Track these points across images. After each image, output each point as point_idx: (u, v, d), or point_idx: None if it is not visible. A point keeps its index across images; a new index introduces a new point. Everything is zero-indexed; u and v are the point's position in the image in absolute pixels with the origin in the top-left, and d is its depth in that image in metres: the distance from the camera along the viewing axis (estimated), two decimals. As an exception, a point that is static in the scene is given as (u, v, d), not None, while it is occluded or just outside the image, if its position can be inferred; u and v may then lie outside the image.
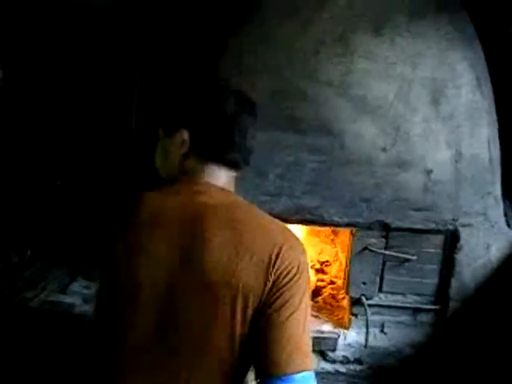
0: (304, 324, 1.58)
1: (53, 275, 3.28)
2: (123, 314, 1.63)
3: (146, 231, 1.64)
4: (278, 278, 1.56)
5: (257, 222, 1.64)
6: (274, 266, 1.56)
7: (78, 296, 3.09)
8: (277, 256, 1.56)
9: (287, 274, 1.57)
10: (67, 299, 3.06)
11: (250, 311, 1.56)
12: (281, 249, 1.57)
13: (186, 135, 1.73)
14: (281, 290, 1.56)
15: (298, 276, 1.59)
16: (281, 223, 1.70)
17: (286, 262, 1.57)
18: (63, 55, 3.47)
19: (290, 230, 1.69)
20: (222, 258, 1.55)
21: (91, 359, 1.72)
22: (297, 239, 1.67)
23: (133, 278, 1.63)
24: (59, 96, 3.53)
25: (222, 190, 1.72)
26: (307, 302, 1.62)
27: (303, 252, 1.65)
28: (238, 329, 1.56)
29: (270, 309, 1.56)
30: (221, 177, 1.76)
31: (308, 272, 1.65)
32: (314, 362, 1.59)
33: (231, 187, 1.79)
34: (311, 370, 1.55)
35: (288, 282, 1.57)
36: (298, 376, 1.50)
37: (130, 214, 1.70)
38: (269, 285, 1.55)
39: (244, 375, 1.69)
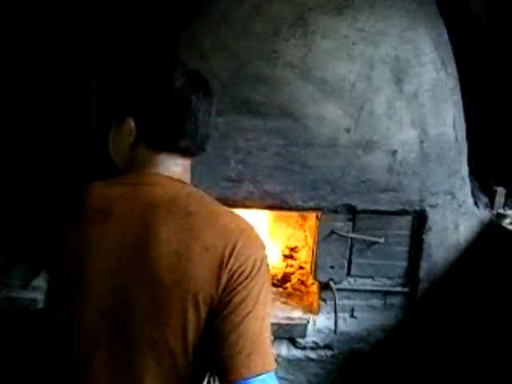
0: (262, 322, 1.52)
1: (16, 271, 3.19)
2: (72, 311, 1.57)
3: (93, 224, 1.57)
4: (232, 276, 1.49)
5: (210, 215, 1.56)
6: (227, 265, 1.48)
7: (41, 291, 3.01)
8: (230, 254, 1.49)
9: (242, 272, 1.50)
10: (29, 295, 2.97)
11: (203, 311, 1.49)
12: (235, 246, 1.50)
13: (132, 123, 1.64)
14: (236, 290, 1.49)
15: (254, 273, 1.52)
16: (237, 216, 1.62)
17: (241, 260, 1.50)
18: (21, 47, 3.38)
19: (246, 224, 1.60)
20: (171, 253, 1.48)
21: (44, 358, 1.67)
22: (253, 234, 1.59)
23: (80, 274, 1.56)
24: (19, 89, 3.43)
25: (174, 180, 1.64)
26: (266, 297, 1.55)
27: (260, 247, 1.58)
28: (191, 329, 1.49)
29: (226, 309, 1.48)
30: (173, 166, 1.67)
31: (267, 266, 1.58)
32: (273, 362, 1.52)
33: (186, 176, 1.71)
34: (271, 371, 1.49)
35: (243, 281, 1.50)
36: (257, 379, 1.45)
37: (75, 207, 1.64)
38: (222, 284, 1.48)
39: (201, 379, 1.61)
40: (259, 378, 1.46)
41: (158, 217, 1.52)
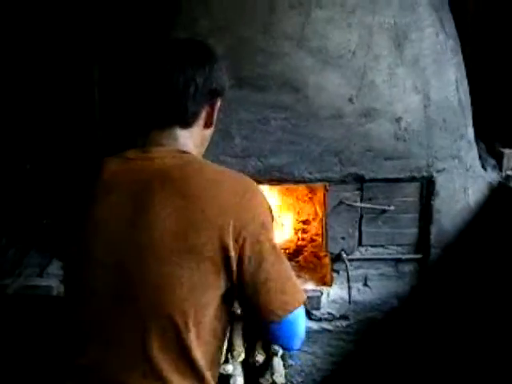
0: (281, 264, 1.63)
1: (30, 260, 3.22)
2: (82, 283, 1.62)
3: (99, 197, 1.63)
4: (238, 247, 1.55)
5: (209, 183, 1.59)
6: (232, 234, 1.53)
7: (55, 278, 3.04)
8: (233, 223, 1.54)
9: (249, 242, 1.56)
10: (44, 282, 3.01)
11: (219, 274, 1.55)
12: (237, 212, 1.55)
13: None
14: (245, 258, 1.56)
15: (260, 231, 1.58)
16: (236, 178, 1.66)
17: (243, 237, 1.55)
18: (23, 41, 3.39)
19: (247, 185, 1.65)
20: (172, 226, 1.52)
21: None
22: (254, 195, 1.63)
23: (86, 247, 1.61)
24: (23, 82, 3.45)
25: (174, 151, 1.68)
26: (275, 244, 1.64)
27: (262, 206, 1.63)
28: (204, 294, 1.54)
29: (244, 266, 1.56)
30: (169, 138, 1.72)
31: (271, 219, 1.65)
32: (302, 295, 1.66)
33: (190, 145, 1.75)
34: (301, 304, 1.64)
35: (252, 250, 1.56)
36: (292, 315, 1.61)
37: (90, 182, 1.70)
38: (231, 249, 1.53)
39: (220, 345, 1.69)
40: (293, 313, 1.61)
41: (159, 190, 1.56)
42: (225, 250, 1.52)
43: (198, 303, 1.53)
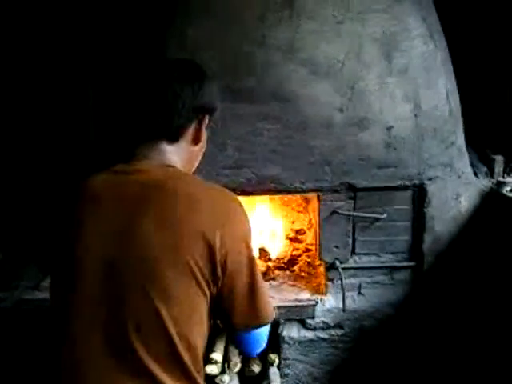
0: (254, 282, 1.70)
1: (26, 274, 3.23)
2: (68, 288, 1.63)
3: (85, 214, 1.66)
4: (220, 264, 1.60)
5: (192, 199, 1.63)
6: (216, 249, 1.58)
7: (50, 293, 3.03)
8: (216, 240, 1.58)
9: (231, 260, 1.62)
10: (40, 295, 3.01)
11: (195, 291, 1.60)
12: (220, 231, 1.59)
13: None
14: (227, 270, 1.62)
15: (241, 249, 1.65)
16: (220, 196, 1.70)
17: (229, 243, 1.61)
18: (19, 52, 3.41)
19: (229, 203, 1.70)
20: (158, 239, 1.56)
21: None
22: (237, 213, 1.69)
23: (74, 258, 1.63)
24: (16, 95, 3.46)
25: (159, 166, 1.72)
26: (256, 265, 1.71)
27: (243, 224, 1.69)
28: (190, 305, 1.60)
29: (221, 288, 1.64)
30: (157, 153, 1.76)
31: (250, 238, 1.70)
32: (269, 313, 1.77)
33: (177, 160, 1.78)
34: (266, 323, 1.77)
35: (232, 266, 1.63)
36: (256, 331, 1.76)
37: (72, 201, 1.73)
38: (213, 269, 1.59)
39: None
40: (263, 327, 1.76)
41: (142, 201, 1.60)
42: (210, 263, 1.57)
43: (185, 313, 1.57)
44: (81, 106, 3.24)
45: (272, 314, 1.78)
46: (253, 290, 1.68)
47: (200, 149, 1.88)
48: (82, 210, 1.67)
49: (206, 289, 1.59)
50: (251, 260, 1.67)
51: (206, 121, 1.83)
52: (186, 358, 1.58)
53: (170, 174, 1.69)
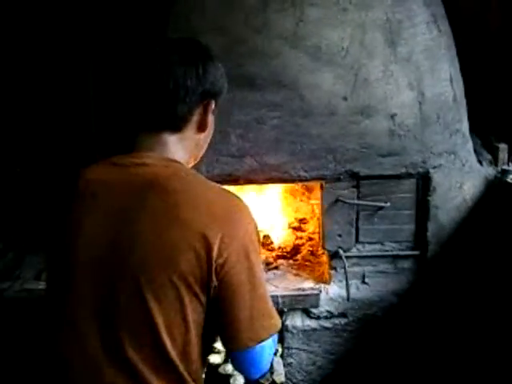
0: (258, 291, 1.59)
1: (27, 263, 3.22)
2: (64, 286, 1.59)
3: (82, 205, 1.60)
4: (223, 261, 1.51)
5: (193, 196, 1.55)
6: (215, 250, 1.50)
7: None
8: (216, 240, 1.50)
9: (231, 256, 1.53)
10: (42, 285, 2.99)
11: (197, 292, 1.53)
12: (221, 231, 1.51)
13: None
14: (224, 279, 1.53)
15: (244, 253, 1.55)
16: (223, 194, 1.62)
17: (230, 245, 1.52)
18: (20, 46, 3.38)
19: (232, 202, 1.61)
20: (156, 240, 1.49)
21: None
22: (240, 213, 1.59)
23: (69, 254, 1.59)
24: (17, 85, 3.44)
25: (160, 158, 1.63)
26: (258, 268, 1.60)
27: (247, 224, 1.59)
28: (182, 309, 1.53)
29: (222, 289, 1.54)
30: (158, 144, 1.66)
31: (256, 237, 1.61)
32: (273, 325, 1.64)
33: (180, 152, 1.69)
34: (271, 335, 1.62)
35: (230, 270, 1.53)
36: (259, 345, 1.59)
37: (70, 191, 1.67)
38: (212, 268, 1.50)
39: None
40: (261, 344, 1.59)
41: (141, 199, 1.52)
42: (203, 269, 1.49)
43: (175, 315, 1.52)
44: (81, 96, 3.22)
45: (275, 326, 1.64)
46: (253, 302, 1.57)
47: (206, 136, 1.77)
48: (78, 204, 1.61)
49: (200, 294, 1.52)
50: (252, 269, 1.56)
51: (212, 106, 1.71)
52: (179, 363, 1.54)
53: (172, 171, 1.60)
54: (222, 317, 1.58)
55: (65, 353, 1.58)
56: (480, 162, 3.19)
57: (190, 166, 1.79)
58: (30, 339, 2.81)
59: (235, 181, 2.78)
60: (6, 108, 3.43)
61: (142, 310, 1.49)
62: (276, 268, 3.15)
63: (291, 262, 3.25)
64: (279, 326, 1.66)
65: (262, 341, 1.60)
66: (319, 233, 3.09)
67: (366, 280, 3.07)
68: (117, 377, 1.51)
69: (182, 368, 1.54)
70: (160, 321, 1.49)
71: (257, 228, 1.63)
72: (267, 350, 1.64)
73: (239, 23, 2.71)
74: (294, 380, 3.07)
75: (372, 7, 2.75)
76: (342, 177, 2.87)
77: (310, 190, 3.44)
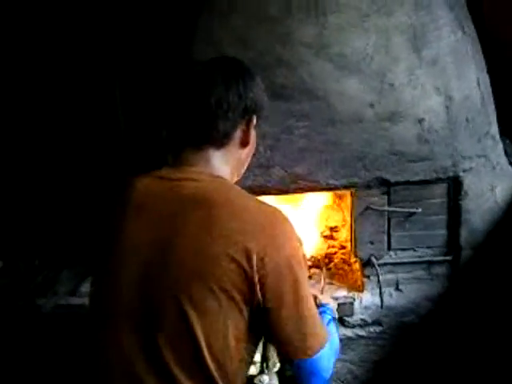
0: (305, 303, 1.60)
1: (63, 279, 3.25)
2: (106, 293, 1.64)
3: (128, 216, 1.64)
4: (265, 275, 1.52)
5: (235, 210, 1.58)
6: (257, 264, 1.51)
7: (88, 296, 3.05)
8: (258, 253, 1.51)
9: (274, 269, 1.54)
10: (77, 301, 3.02)
11: (240, 305, 1.54)
12: (263, 244, 1.53)
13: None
14: (268, 291, 1.54)
15: (286, 267, 1.56)
16: (264, 208, 1.63)
17: (272, 258, 1.53)
18: (43, 61, 3.43)
19: (275, 215, 1.62)
20: (194, 250, 1.52)
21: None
22: (282, 225, 1.61)
23: (112, 262, 1.63)
24: (43, 96, 3.48)
25: (204, 174, 1.67)
26: (303, 280, 1.61)
27: (290, 237, 1.61)
28: (225, 321, 1.54)
29: (266, 303, 1.55)
30: (202, 159, 1.70)
31: (300, 251, 1.63)
32: (324, 336, 1.67)
33: (223, 167, 1.73)
34: (323, 345, 1.64)
35: (274, 282, 1.54)
36: (314, 358, 1.62)
37: (117, 201, 1.72)
38: (255, 282, 1.52)
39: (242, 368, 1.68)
40: (317, 355, 1.61)
41: (183, 212, 1.55)
42: (246, 282, 1.51)
43: (216, 329, 1.53)
44: (109, 102, 3.25)
45: (323, 338, 1.66)
46: (299, 317, 1.59)
47: (249, 151, 1.82)
48: (123, 215, 1.65)
49: (243, 309, 1.54)
50: (297, 282, 1.58)
51: (254, 121, 1.76)
52: (219, 378, 1.55)
53: (216, 185, 1.64)
54: (271, 331, 1.60)
55: (104, 361, 1.61)
56: (511, 164, 3.14)
57: (234, 181, 1.82)
58: (67, 355, 2.85)
59: (265, 192, 2.78)
60: (37, 123, 3.47)
61: (183, 322, 1.51)
62: (309, 278, 3.13)
63: (324, 270, 3.23)
64: (327, 337, 1.69)
65: (316, 353, 1.63)
66: (351, 241, 3.07)
67: (400, 287, 3.05)
68: (153, 382, 1.53)
69: (219, 380, 1.55)
70: (200, 333, 1.51)
71: (300, 241, 1.66)
72: (324, 358, 1.66)
73: (263, 34, 2.72)
74: (331, 389, 3.05)
75: (395, 12, 2.75)
76: (372, 184, 2.86)
77: (341, 197, 3.43)
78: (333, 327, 1.96)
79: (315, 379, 1.70)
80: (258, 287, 1.52)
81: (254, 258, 1.50)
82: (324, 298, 2.22)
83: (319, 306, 2.11)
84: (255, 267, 1.50)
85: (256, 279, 1.51)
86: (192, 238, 1.53)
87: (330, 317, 2.04)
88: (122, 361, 1.57)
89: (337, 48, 2.72)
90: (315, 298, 2.05)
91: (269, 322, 1.59)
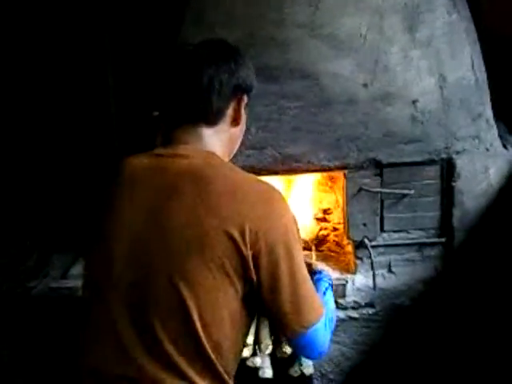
0: (299, 277, 1.63)
1: (54, 261, 3.24)
2: (101, 274, 1.64)
3: (122, 193, 1.66)
4: (255, 255, 1.54)
5: (229, 186, 1.59)
6: (250, 239, 1.53)
7: (79, 279, 3.03)
8: (251, 229, 1.53)
9: (268, 245, 1.56)
10: (68, 284, 3.01)
11: (234, 279, 1.56)
12: (257, 219, 1.55)
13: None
14: (262, 267, 1.56)
15: (280, 242, 1.58)
16: (259, 184, 1.66)
17: (266, 233, 1.55)
18: (34, 48, 3.40)
19: (269, 191, 1.65)
20: (187, 225, 1.53)
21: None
22: (276, 202, 1.63)
23: (106, 239, 1.65)
24: (36, 86, 3.45)
25: (199, 151, 1.70)
26: (296, 261, 1.63)
27: (284, 214, 1.63)
28: (219, 296, 1.56)
29: (261, 277, 1.57)
30: (195, 137, 1.73)
31: (294, 227, 1.65)
32: (320, 308, 1.70)
33: (217, 144, 1.76)
34: (320, 319, 1.67)
35: (268, 258, 1.56)
36: (311, 330, 1.66)
37: (111, 180, 1.74)
38: (249, 256, 1.54)
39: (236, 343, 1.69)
40: (312, 328, 1.65)
41: (177, 187, 1.58)
42: (240, 257, 1.52)
43: (209, 303, 1.54)
44: (100, 88, 3.22)
45: (320, 311, 1.70)
46: (293, 293, 1.62)
47: (240, 130, 1.86)
48: (117, 192, 1.68)
49: (237, 284, 1.56)
50: (292, 259, 1.60)
51: (245, 100, 1.81)
52: (212, 353, 1.56)
53: (208, 161, 1.66)
54: (267, 307, 1.63)
55: (96, 338, 1.61)
56: (505, 146, 3.15)
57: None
58: (57, 337, 2.83)
59: (257, 173, 2.76)
60: (29, 112, 3.44)
61: (176, 297, 1.52)
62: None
63: (316, 253, 3.21)
64: (323, 310, 1.72)
65: (312, 325, 1.66)
66: (343, 223, 3.05)
67: (393, 269, 3.04)
68: (147, 361, 1.54)
69: (213, 357, 1.57)
70: (193, 308, 1.52)
71: (294, 218, 1.68)
72: (321, 331, 1.70)
73: (255, 14, 2.69)
74: (323, 371, 3.05)
75: (388, -8, 2.70)
76: (364, 165, 2.84)
77: (333, 179, 3.41)
78: (330, 296, 2.02)
79: (311, 352, 1.80)
80: (251, 262, 1.54)
81: (248, 232, 1.52)
82: (319, 265, 2.22)
83: (315, 272, 2.12)
84: (249, 242, 1.52)
85: (250, 254, 1.53)
86: (185, 211, 1.55)
87: (327, 284, 2.06)
88: (113, 335, 1.57)
89: (330, 28, 2.70)
90: (310, 265, 2.10)
91: (263, 297, 1.61)
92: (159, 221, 1.57)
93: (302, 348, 1.77)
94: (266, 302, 1.63)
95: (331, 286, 2.13)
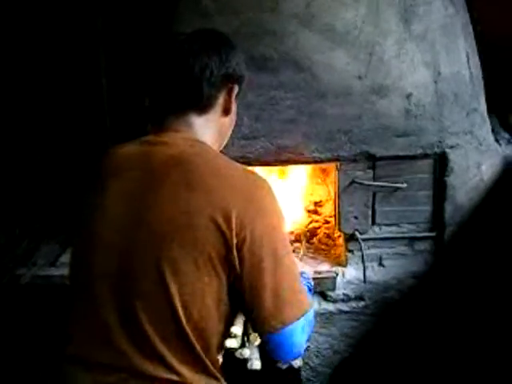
0: (284, 272, 1.59)
1: (43, 250, 3.22)
2: (86, 262, 1.62)
3: (107, 181, 1.65)
4: (239, 243, 1.52)
5: (214, 173, 1.57)
6: (235, 227, 1.51)
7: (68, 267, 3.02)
8: (237, 216, 1.51)
9: (252, 233, 1.53)
10: (57, 272, 2.99)
11: (218, 269, 1.54)
12: (242, 207, 1.53)
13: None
14: (246, 257, 1.54)
15: (265, 232, 1.56)
16: (245, 172, 1.64)
17: (250, 221, 1.53)
18: (26, 35, 3.37)
19: (254, 179, 1.63)
20: (175, 214, 1.52)
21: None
22: (261, 189, 1.61)
23: (91, 227, 1.63)
24: (28, 74, 3.43)
25: (186, 138, 1.68)
26: (283, 246, 1.60)
27: (269, 202, 1.61)
28: (202, 286, 1.54)
29: (244, 269, 1.54)
30: (184, 124, 1.72)
31: (278, 225, 1.62)
32: (302, 307, 1.63)
33: (206, 132, 1.75)
34: (300, 317, 1.60)
35: (252, 247, 1.54)
36: (288, 328, 1.58)
37: (96, 169, 1.72)
38: (233, 245, 1.52)
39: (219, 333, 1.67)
40: (290, 326, 1.58)
41: (163, 174, 1.56)
42: (224, 246, 1.50)
43: (193, 291, 1.52)
44: (93, 76, 3.20)
45: (303, 308, 1.62)
46: (276, 287, 1.57)
47: (231, 120, 1.84)
48: (103, 180, 1.66)
49: (220, 271, 1.53)
50: (276, 250, 1.57)
51: (236, 90, 1.80)
52: (195, 341, 1.54)
53: (197, 150, 1.64)
54: (246, 298, 1.58)
55: (82, 326, 1.60)
56: (498, 142, 3.13)
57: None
58: (45, 325, 2.82)
59: (249, 163, 2.75)
60: (20, 101, 3.41)
61: (159, 282, 1.50)
62: (292, 251, 3.11)
63: (307, 245, 3.22)
64: (308, 308, 1.65)
65: (290, 323, 1.59)
66: (335, 215, 3.05)
67: (383, 262, 3.04)
68: (132, 349, 1.52)
69: (197, 347, 1.55)
70: (176, 294, 1.50)
71: (280, 209, 1.65)
72: (297, 332, 1.61)
73: (250, 3, 2.67)
74: (312, 364, 3.04)
75: (385, -15, 2.69)
76: (357, 158, 2.83)
77: (325, 171, 3.41)
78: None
79: (282, 354, 1.69)
80: (235, 250, 1.51)
81: (234, 220, 1.50)
82: (302, 267, 2.20)
83: None
84: (234, 229, 1.50)
85: (234, 241, 1.51)
86: (169, 198, 1.53)
87: (305, 287, 2.01)
88: (98, 323, 1.56)
89: (325, 19, 2.68)
90: None
91: (245, 290, 1.57)
92: (143, 208, 1.56)
93: (275, 347, 1.65)
94: (245, 294, 1.59)
95: (310, 289, 2.10)
